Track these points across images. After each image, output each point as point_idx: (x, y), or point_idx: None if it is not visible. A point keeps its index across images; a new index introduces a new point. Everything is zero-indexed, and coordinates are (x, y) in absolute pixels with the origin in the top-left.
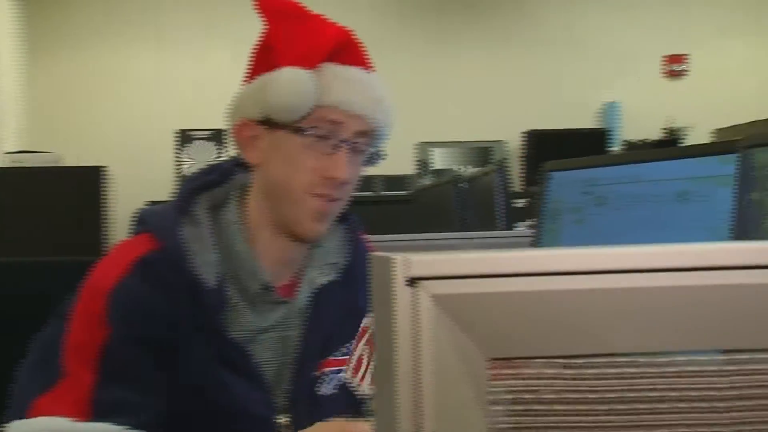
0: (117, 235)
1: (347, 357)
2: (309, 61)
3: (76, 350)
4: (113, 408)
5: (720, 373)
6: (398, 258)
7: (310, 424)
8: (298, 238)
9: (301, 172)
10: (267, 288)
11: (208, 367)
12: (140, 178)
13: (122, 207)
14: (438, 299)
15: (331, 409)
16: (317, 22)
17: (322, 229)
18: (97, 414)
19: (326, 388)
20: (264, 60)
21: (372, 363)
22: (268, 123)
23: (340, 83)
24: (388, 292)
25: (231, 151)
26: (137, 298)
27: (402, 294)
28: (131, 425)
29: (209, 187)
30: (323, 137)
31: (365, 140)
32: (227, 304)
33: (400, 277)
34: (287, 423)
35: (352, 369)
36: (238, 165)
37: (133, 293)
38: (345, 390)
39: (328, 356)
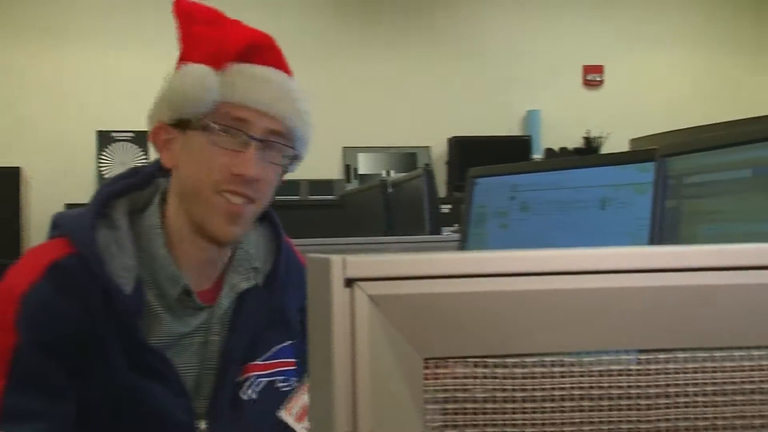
0: (34, 238)
1: (271, 362)
2: (216, 60)
3: None
4: (22, 414)
5: (642, 372)
6: (336, 259)
7: (232, 429)
8: (213, 240)
9: (209, 171)
10: (187, 293)
11: (124, 373)
12: (60, 180)
13: (42, 210)
14: (375, 300)
15: (253, 413)
16: (232, 25)
17: (236, 231)
18: (5, 420)
19: (249, 393)
20: (177, 64)
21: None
22: (181, 125)
23: (248, 81)
24: (325, 293)
25: (154, 153)
26: (48, 304)
27: (339, 295)
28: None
29: (130, 191)
30: (230, 134)
31: (279, 140)
32: (145, 310)
33: (337, 278)
34: (207, 428)
35: (295, 414)
36: (161, 169)
37: (44, 298)
38: (267, 394)
39: (251, 361)
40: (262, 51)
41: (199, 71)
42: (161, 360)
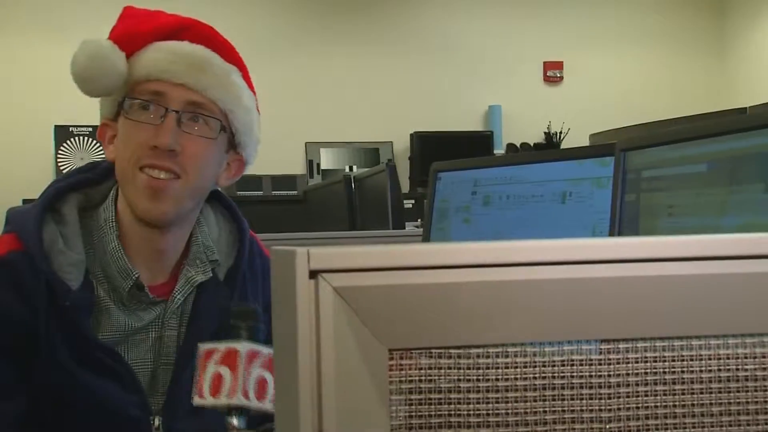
0: None
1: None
2: (129, 41)
3: None
4: None
5: (602, 362)
6: (300, 251)
7: (189, 425)
8: (144, 222)
9: (130, 148)
10: (139, 287)
11: (73, 369)
12: (17, 174)
13: None
14: (339, 292)
15: (210, 409)
16: (159, 15)
17: (162, 208)
18: None
19: None
20: None
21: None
22: (118, 116)
23: (161, 55)
24: (289, 285)
25: None
26: None
27: (303, 287)
28: None
29: (85, 186)
30: (148, 109)
31: (201, 111)
32: (94, 305)
33: (301, 270)
34: (162, 424)
35: (208, 390)
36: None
37: None
38: None
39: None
40: (184, 31)
41: (95, 44)
42: (111, 355)
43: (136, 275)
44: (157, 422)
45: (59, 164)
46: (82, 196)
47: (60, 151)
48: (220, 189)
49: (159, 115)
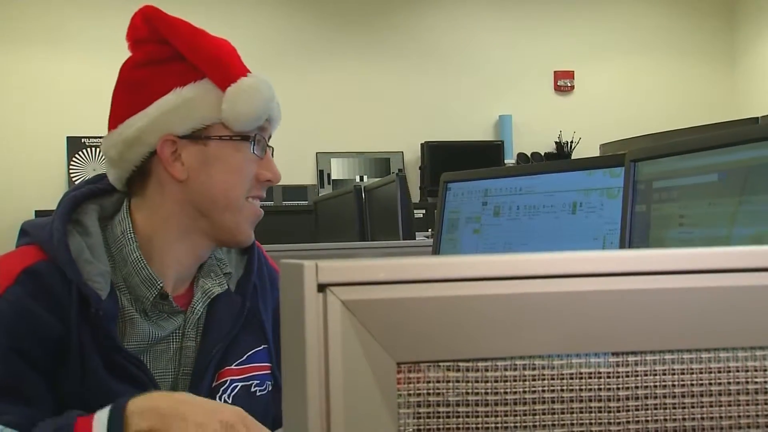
0: (3, 246)
1: (246, 366)
2: (235, 71)
3: None
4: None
5: (612, 375)
6: (308, 265)
7: None
8: (236, 244)
9: (241, 179)
10: (163, 296)
11: (101, 378)
12: (30, 185)
13: (10, 217)
14: (347, 305)
15: None
16: (207, 36)
17: (252, 233)
18: None
19: (224, 398)
20: (175, 73)
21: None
22: (196, 137)
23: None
24: (298, 299)
25: None
26: (22, 310)
27: (312, 300)
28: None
29: (97, 196)
30: (258, 143)
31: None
32: (120, 315)
33: (310, 283)
34: None
35: None
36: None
37: (18, 305)
38: (243, 399)
39: (226, 366)
40: (240, 59)
41: (258, 83)
42: (138, 364)
43: (161, 284)
44: None
45: (71, 175)
46: (98, 207)
47: (72, 162)
48: None
49: (262, 148)
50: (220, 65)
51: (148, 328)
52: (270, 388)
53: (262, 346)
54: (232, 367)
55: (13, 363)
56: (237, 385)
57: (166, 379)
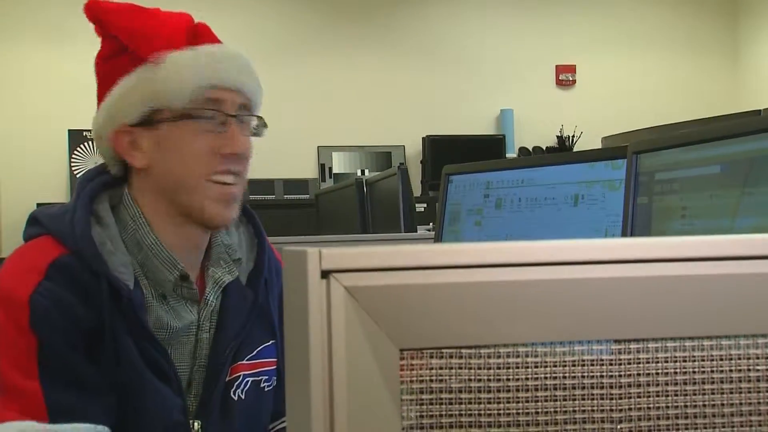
0: (7, 237)
1: (256, 361)
2: (164, 46)
3: (10, 364)
4: (67, 411)
5: (614, 362)
6: (311, 251)
7: (222, 429)
8: (214, 227)
9: (196, 158)
10: (184, 277)
11: (135, 366)
12: (32, 178)
13: (13, 209)
14: (351, 291)
15: (241, 413)
16: (157, 13)
17: (228, 213)
18: (54, 420)
19: (238, 393)
20: (121, 64)
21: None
22: (147, 123)
23: (215, 61)
24: (301, 285)
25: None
26: (59, 303)
27: (315, 287)
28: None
29: (109, 187)
30: (208, 117)
31: (247, 113)
32: (144, 304)
33: (313, 270)
34: (201, 428)
35: None
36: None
37: (55, 298)
38: (253, 394)
39: (239, 360)
40: (201, 30)
41: (181, 58)
42: (164, 354)
43: (182, 266)
44: (196, 426)
45: (73, 168)
46: (107, 197)
47: (74, 155)
48: None
49: (218, 123)
50: (151, 44)
51: (167, 317)
52: (275, 384)
53: (271, 341)
54: (244, 362)
55: (64, 352)
56: (248, 381)
57: (184, 372)
